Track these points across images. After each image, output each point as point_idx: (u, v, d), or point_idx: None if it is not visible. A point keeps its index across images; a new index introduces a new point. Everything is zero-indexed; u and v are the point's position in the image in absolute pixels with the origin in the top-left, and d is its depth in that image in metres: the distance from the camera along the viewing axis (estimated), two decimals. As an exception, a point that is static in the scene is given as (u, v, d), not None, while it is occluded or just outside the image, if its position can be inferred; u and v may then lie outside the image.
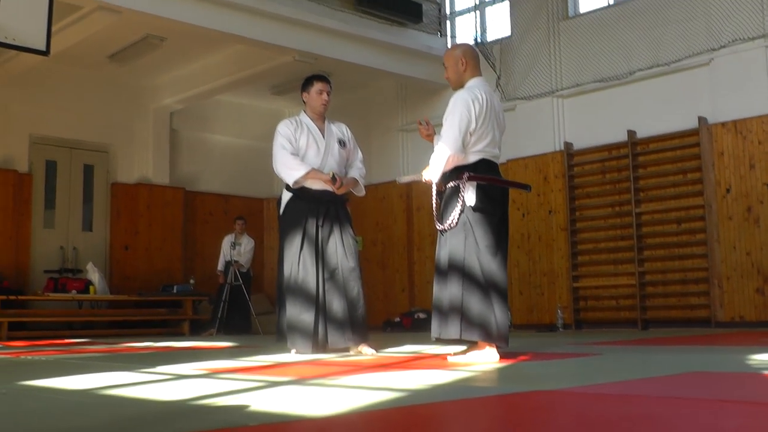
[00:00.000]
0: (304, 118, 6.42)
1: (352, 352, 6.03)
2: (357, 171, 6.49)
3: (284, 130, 6.32)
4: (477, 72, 5.33)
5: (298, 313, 5.96)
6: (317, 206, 6.16)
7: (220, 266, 13.13)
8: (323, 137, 6.34)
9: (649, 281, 10.84)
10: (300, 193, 6.21)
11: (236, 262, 12.80)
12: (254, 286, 14.51)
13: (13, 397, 3.48)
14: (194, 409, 2.93)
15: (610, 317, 11.23)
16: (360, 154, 6.63)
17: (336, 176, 6.13)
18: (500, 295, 4.93)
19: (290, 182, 6.19)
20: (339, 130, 6.50)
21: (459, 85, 5.30)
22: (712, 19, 10.35)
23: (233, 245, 12.94)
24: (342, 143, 6.42)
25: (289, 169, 6.16)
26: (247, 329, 12.54)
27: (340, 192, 6.21)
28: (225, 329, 12.37)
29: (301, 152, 6.24)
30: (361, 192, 6.53)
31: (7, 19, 8.41)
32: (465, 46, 5.54)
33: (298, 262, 6.04)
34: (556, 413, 2.74)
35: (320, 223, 6.14)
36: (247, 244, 13.18)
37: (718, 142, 10.22)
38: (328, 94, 6.44)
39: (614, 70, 11.25)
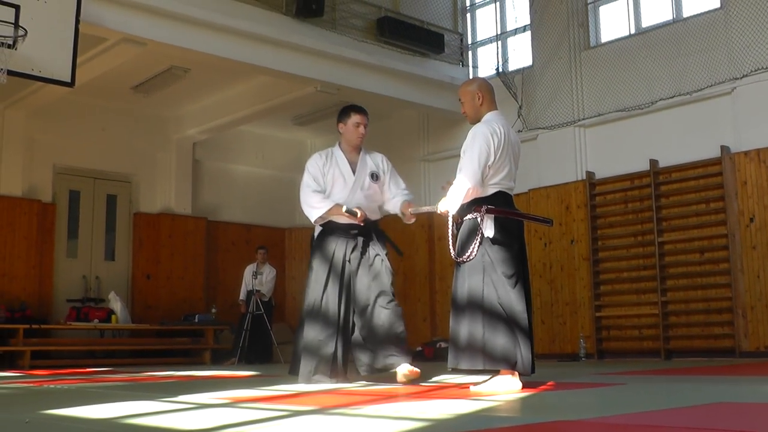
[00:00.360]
0: (337, 151, 6.36)
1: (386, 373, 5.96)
2: (405, 197, 6.29)
3: (312, 166, 6.28)
4: (493, 106, 5.36)
5: (316, 345, 5.92)
6: (346, 239, 6.11)
7: (242, 295, 13.15)
8: (353, 172, 6.26)
9: (672, 311, 10.75)
10: (328, 227, 6.19)
11: (258, 291, 12.81)
12: (276, 316, 14.50)
13: (36, 426, 3.48)
14: (217, 438, 2.93)
15: (632, 347, 11.15)
16: (402, 183, 6.44)
17: (351, 210, 6.04)
18: (523, 329, 4.91)
19: (312, 220, 6.20)
20: (374, 162, 6.38)
21: (476, 119, 5.31)
22: (734, 48, 10.33)
23: (255, 274, 12.96)
24: (375, 177, 6.30)
25: (311, 207, 6.15)
26: (268, 358, 12.53)
27: (408, 221, 6.18)
28: (246, 358, 12.36)
29: (328, 187, 6.21)
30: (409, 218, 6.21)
31: (33, 51, 8.53)
32: (480, 80, 5.58)
33: (321, 297, 6.01)
34: (580, 443, 2.72)
35: (348, 257, 6.08)
36: (268, 273, 13.19)
37: (741, 171, 10.16)
38: (365, 127, 6.34)
39: (636, 100, 11.23)
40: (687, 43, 10.78)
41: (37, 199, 12.72)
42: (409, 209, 6.09)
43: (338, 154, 6.32)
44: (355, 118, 6.32)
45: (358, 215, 6.04)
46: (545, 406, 4.13)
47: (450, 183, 5.41)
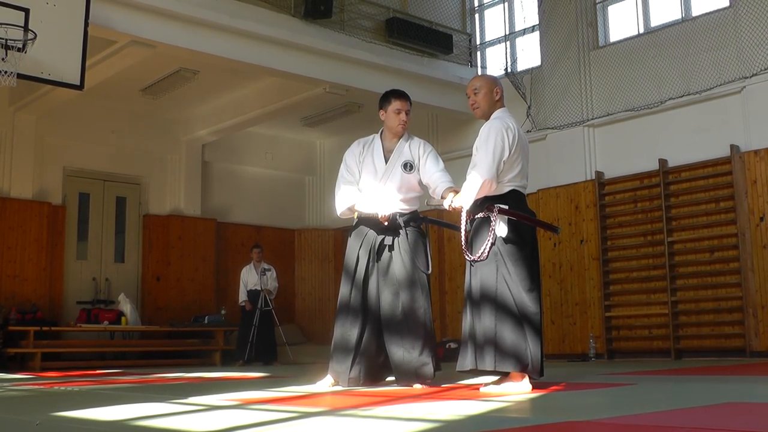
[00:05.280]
0: (377, 138, 6.03)
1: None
2: (444, 183, 5.70)
3: (348, 155, 5.98)
4: (503, 103, 5.35)
5: (339, 353, 5.74)
6: (375, 235, 5.81)
7: (243, 296, 13.04)
8: (386, 161, 5.90)
9: (682, 310, 10.72)
10: (361, 220, 5.90)
11: (266, 289, 12.76)
12: (287, 317, 14.53)
13: (47, 428, 3.49)
14: (227, 440, 2.93)
15: (642, 347, 11.12)
16: (441, 163, 5.92)
17: (368, 213, 5.77)
18: (533, 327, 4.91)
19: (338, 214, 5.98)
20: (411, 150, 5.95)
21: (487, 114, 5.28)
22: (744, 47, 10.29)
23: (264, 271, 12.89)
24: (408, 167, 5.86)
25: (338, 202, 5.90)
26: (273, 358, 12.49)
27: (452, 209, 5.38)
28: (255, 354, 12.33)
29: (361, 176, 5.91)
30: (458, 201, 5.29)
31: (43, 54, 8.55)
32: (496, 78, 5.58)
33: (348, 300, 5.78)
34: (590, 444, 2.72)
35: (376, 251, 5.78)
36: (273, 271, 13.09)
37: (750, 170, 10.13)
38: (407, 114, 5.99)
39: (645, 99, 11.21)
40: (696, 42, 10.76)
41: (48, 201, 12.75)
42: (425, 201, 5.73)
43: (376, 142, 6.00)
44: (395, 104, 5.98)
45: (380, 216, 5.69)
46: (555, 406, 4.12)
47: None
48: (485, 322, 4.93)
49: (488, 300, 4.95)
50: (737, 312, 10.18)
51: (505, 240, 5.01)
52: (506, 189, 5.12)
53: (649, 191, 11.17)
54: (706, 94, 10.62)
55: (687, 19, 11.15)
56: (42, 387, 6.86)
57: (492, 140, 5.03)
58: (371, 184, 5.89)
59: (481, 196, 5.05)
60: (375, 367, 5.82)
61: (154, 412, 3.97)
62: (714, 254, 10.54)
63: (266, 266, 13.06)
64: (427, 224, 6.05)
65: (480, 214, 5.11)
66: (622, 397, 4.56)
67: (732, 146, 10.27)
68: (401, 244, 5.81)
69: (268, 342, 12.61)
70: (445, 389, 5.38)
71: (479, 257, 4.99)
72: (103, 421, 3.71)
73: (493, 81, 5.39)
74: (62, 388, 6.57)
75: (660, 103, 11.05)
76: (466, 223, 5.18)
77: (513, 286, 4.94)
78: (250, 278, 13.03)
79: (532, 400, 4.35)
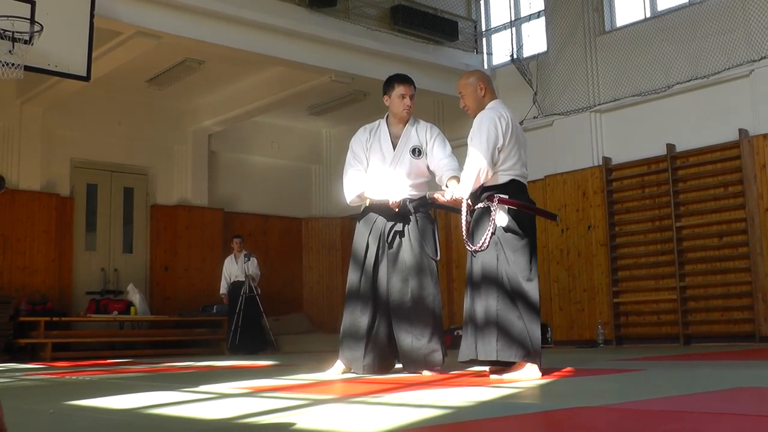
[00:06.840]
0: (383, 124, 6.00)
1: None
2: (449, 172, 5.69)
3: (355, 142, 5.96)
4: (494, 95, 5.35)
5: (350, 340, 5.75)
6: (384, 222, 5.80)
7: (223, 289, 13.09)
8: (393, 147, 5.88)
9: (690, 296, 10.71)
10: (369, 207, 5.89)
11: (249, 275, 12.77)
12: (294, 306, 14.53)
13: (62, 416, 3.52)
14: (239, 428, 2.95)
15: (651, 333, 11.11)
16: (448, 148, 5.92)
17: (379, 201, 5.77)
18: (533, 311, 4.91)
19: (347, 202, 5.96)
20: (419, 135, 5.94)
21: (478, 111, 5.28)
22: (752, 30, 10.25)
23: (248, 256, 12.91)
24: (416, 152, 5.85)
25: (347, 189, 5.88)
26: (264, 347, 12.50)
27: (453, 203, 5.40)
28: (240, 342, 12.35)
29: (369, 163, 5.88)
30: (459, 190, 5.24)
31: (50, 46, 8.56)
32: (478, 71, 5.58)
33: (358, 287, 5.79)
34: (601, 430, 2.72)
35: (387, 238, 5.78)
36: (255, 258, 13.08)
37: (759, 154, 10.10)
38: (411, 98, 5.95)
39: (652, 84, 11.17)
40: (704, 26, 10.70)
41: (56, 192, 12.79)
42: (426, 194, 5.76)
43: (383, 128, 5.97)
44: (399, 89, 5.94)
45: (391, 203, 5.69)
46: (565, 392, 4.13)
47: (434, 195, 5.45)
48: (487, 311, 4.93)
49: (489, 289, 4.96)
50: (746, 297, 10.16)
51: (505, 229, 5.02)
52: (506, 179, 5.12)
53: (656, 176, 11.15)
54: (714, 78, 10.58)
55: (694, 3, 11.09)
56: (54, 376, 6.90)
57: (485, 129, 5.03)
58: (380, 170, 5.87)
59: (479, 185, 5.07)
60: (386, 354, 5.84)
61: (166, 401, 3.98)
62: (723, 239, 10.52)
63: (248, 253, 13.04)
64: (435, 210, 6.05)
65: (480, 204, 5.11)
66: (631, 383, 4.57)
67: (740, 130, 10.24)
68: (411, 230, 5.81)
69: (258, 330, 12.60)
70: (454, 376, 5.39)
71: (480, 247, 4.99)
72: (116, 410, 3.73)
73: (475, 79, 5.35)
74: (74, 377, 6.60)
75: (667, 88, 11.01)
76: (467, 213, 5.18)
77: (513, 276, 4.95)
78: (232, 269, 13.06)
79: (542, 386, 4.36)
